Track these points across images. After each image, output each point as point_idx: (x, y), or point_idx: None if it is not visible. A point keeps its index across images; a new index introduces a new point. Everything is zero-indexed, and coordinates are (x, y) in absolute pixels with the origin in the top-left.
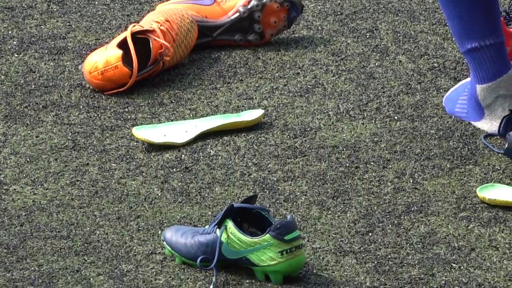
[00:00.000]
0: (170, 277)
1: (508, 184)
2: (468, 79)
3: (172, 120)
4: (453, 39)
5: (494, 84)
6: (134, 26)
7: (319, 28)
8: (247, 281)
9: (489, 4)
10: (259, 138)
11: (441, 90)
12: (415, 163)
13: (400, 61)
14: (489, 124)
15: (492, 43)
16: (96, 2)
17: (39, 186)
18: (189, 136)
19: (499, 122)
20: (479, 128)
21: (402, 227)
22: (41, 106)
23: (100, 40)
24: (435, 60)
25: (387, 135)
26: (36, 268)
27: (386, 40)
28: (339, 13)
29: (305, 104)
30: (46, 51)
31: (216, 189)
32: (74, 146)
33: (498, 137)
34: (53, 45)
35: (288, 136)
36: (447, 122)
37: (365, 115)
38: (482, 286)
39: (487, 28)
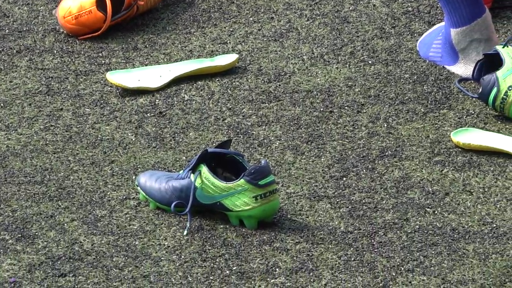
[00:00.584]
0: (144, 222)
1: (482, 128)
2: (443, 23)
3: (146, 65)
4: None
5: (468, 28)
6: None
7: None
8: (221, 226)
9: None
10: (233, 83)
11: (415, 34)
12: (389, 107)
13: (374, 5)
14: (463, 68)
15: None
16: None
17: (13, 131)
18: (163, 81)
19: (473, 66)
20: (453, 72)
21: (376, 172)
22: (15, 51)
23: None
24: (409, 4)
25: (361, 80)
26: (10, 214)
27: None
28: None
29: (279, 49)
30: None
31: (190, 134)
32: (48, 91)
33: (472, 81)
34: None
35: (262, 81)
36: (421, 66)
37: (339, 59)
38: (456, 231)
39: None
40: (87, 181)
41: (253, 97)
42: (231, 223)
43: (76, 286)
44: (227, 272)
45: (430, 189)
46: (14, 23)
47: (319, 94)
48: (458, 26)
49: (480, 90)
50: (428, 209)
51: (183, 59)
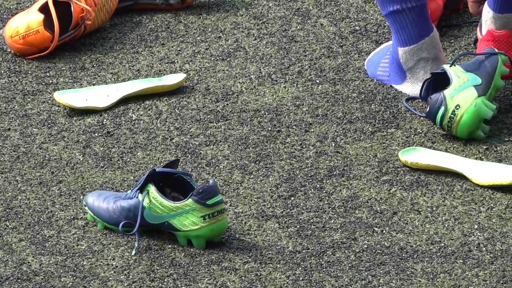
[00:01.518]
0: (92, 242)
1: (429, 147)
2: (390, 42)
3: (93, 85)
4: (375, 1)
5: (416, 47)
6: None
7: None
8: (170, 246)
9: None
10: (181, 102)
11: (363, 53)
12: (337, 126)
13: (321, 24)
14: (411, 87)
15: (414, 6)
16: None
17: None
18: (111, 101)
19: (420, 85)
20: (401, 91)
21: (324, 191)
22: None
23: (21, 4)
24: (356, 23)
25: (309, 99)
26: None
27: (308, 3)
28: None
29: (227, 68)
30: None
31: (138, 153)
32: None
33: (420, 100)
34: None
35: (210, 100)
36: (369, 85)
37: (287, 78)
38: (404, 250)
39: None
40: (35, 201)
41: (201, 116)
42: (179, 242)
43: None
44: None
45: (378, 208)
46: None
47: (266, 113)
48: (405, 45)
49: (428, 109)
50: (376, 229)
51: (130, 78)
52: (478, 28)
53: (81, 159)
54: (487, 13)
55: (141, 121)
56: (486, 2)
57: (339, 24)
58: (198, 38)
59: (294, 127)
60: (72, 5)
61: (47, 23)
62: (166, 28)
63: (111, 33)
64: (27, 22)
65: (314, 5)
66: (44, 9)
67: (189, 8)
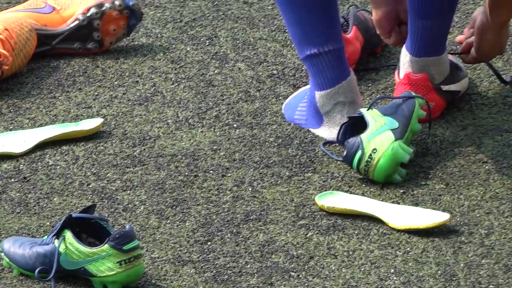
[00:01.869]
0: None
1: (346, 191)
2: (308, 86)
3: (10, 130)
4: (292, 45)
5: (333, 91)
6: None
7: (159, 35)
8: None
9: (329, 10)
10: (98, 147)
11: (280, 98)
12: (254, 171)
13: (239, 68)
14: (328, 131)
15: (332, 50)
16: None
17: None
18: (27, 146)
19: (338, 129)
20: (318, 135)
21: (241, 236)
22: None
23: None
24: (274, 67)
25: (226, 143)
26: None
27: (226, 47)
28: (178, 20)
29: (144, 113)
30: None
31: (55, 199)
32: None
33: (337, 144)
34: None
35: (127, 145)
36: (286, 129)
37: (204, 123)
38: None
39: (326, 34)
40: None
41: (118, 161)
42: None
43: None
44: None
45: (295, 253)
46: None
47: (184, 158)
48: (322, 89)
49: (345, 153)
50: (293, 273)
51: (47, 123)
52: (396, 72)
53: None
54: (405, 57)
55: (58, 166)
56: (404, 45)
57: (256, 68)
58: (116, 82)
59: (211, 171)
60: None
61: None
62: (83, 72)
63: (28, 78)
64: None
65: (232, 49)
66: None
67: (107, 52)
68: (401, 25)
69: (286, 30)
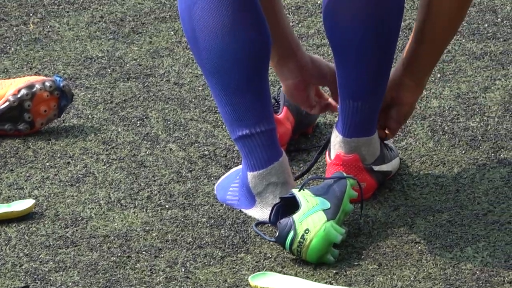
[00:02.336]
0: None
1: (279, 272)
2: (240, 166)
3: None
4: (223, 126)
5: (265, 171)
6: None
7: (90, 116)
8: None
9: (261, 91)
10: (30, 228)
11: (212, 178)
12: (187, 252)
13: (170, 149)
14: (260, 212)
15: (264, 130)
16: None
17: None
18: None
19: (270, 210)
20: (251, 216)
21: None
22: None
23: None
24: (205, 148)
25: (158, 224)
26: None
27: (157, 128)
28: (109, 101)
29: (76, 194)
30: None
31: None
32: None
33: (270, 225)
34: None
35: (60, 226)
36: (219, 210)
37: (136, 203)
38: None
39: (258, 116)
40: None
41: (50, 242)
42: None
43: None
44: None
45: None
46: None
47: (116, 239)
48: (254, 170)
49: (277, 233)
50: None
51: None
52: (326, 152)
53: None
54: (336, 138)
55: None
56: (334, 126)
57: (188, 148)
58: (47, 163)
59: (143, 252)
60: None
61: None
62: (15, 154)
63: None
64: None
65: (163, 130)
66: None
67: (38, 133)
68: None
69: (217, 111)
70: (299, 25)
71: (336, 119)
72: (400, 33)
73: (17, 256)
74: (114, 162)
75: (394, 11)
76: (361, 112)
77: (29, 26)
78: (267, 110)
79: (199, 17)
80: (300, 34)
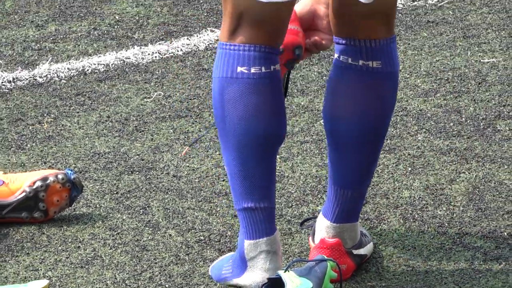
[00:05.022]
0: None
1: None
2: (232, 252)
3: None
4: (218, 214)
5: (261, 241)
6: None
7: (97, 206)
8: None
9: (271, 170)
10: None
11: (207, 261)
12: None
13: (170, 235)
14: (251, 275)
15: (266, 207)
16: None
17: None
18: None
19: (260, 273)
20: (242, 286)
21: None
22: None
23: None
24: (201, 234)
25: None
26: None
27: (158, 216)
28: (115, 192)
29: (86, 275)
30: None
31: None
32: None
33: None
34: None
35: None
36: None
37: (140, 284)
38: None
39: (264, 192)
40: None
41: None
42: None
43: None
44: None
45: None
46: None
47: None
48: (252, 238)
49: None
50: None
51: None
52: (309, 237)
53: None
54: (322, 223)
55: None
56: (321, 211)
57: (185, 234)
58: (60, 247)
59: None
60: None
61: None
62: (30, 239)
63: None
64: None
65: (164, 218)
66: None
67: (51, 221)
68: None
69: (212, 201)
70: None
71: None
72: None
73: None
74: (120, 246)
75: (388, 111)
76: (349, 200)
77: (43, 125)
78: (272, 189)
79: (230, 98)
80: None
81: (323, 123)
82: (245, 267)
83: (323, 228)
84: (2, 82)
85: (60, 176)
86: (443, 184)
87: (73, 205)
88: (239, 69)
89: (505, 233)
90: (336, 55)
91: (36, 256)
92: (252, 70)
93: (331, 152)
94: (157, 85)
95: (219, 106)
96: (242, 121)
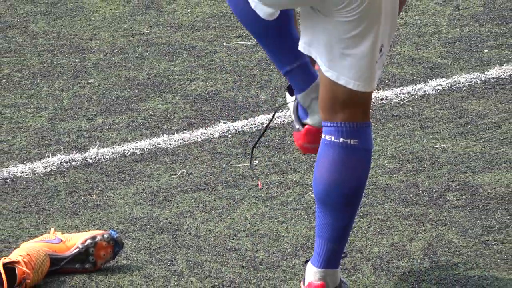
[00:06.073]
0: None
1: None
2: None
3: None
4: (228, 265)
5: (308, 90)
6: (5, 258)
7: (135, 258)
8: None
9: (291, 39)
10: None
11: None
12: None
13: (191, 281)
14: (312, 117)
15: (299, 64)
16: None
17: None
18: None
19: (317, 116)
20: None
21: None
22: None
23: None
24: (216, 280)
25: None
26: None
27: (182, 267)
28: (148, 248)
29: None
30: None
31: None
32: None
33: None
34: None
35: None
36: None
37: None
38: None
39: (292, 56)
40: None
41: None
42: None
43: None
44: None
45: None
46: None
47: None
48: (302, 91)
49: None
50: None
51: None
52: (301, 282)
53: None
54: (311, 269)
55: None
56: (310, 260)
57: (204, 281)
58: None
59: None
60: (16, 269)
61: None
62: (82, 285)
63: (44, 286)
64: None
65: (186, 268)
66: None
67: (99, 270)
68: None
69: (224, 255)
70: (282, 195)
71: None
72: None
73: None
74: None
75: (362, 179)
76: (332, 250)
77: (92, 196)
78: (297, 51)
79: None
80: (282, 201)
81: (312, 194)
82: (307, 113)
83: (311, 273)
84: (60, 163)
85: (105, 236)
86: (404, 242)
87: (115, 258)
88: None
89: (453, 280)
90: (323, 136)
91: None
92: None
93: (317, 211)
94: (181, 165)
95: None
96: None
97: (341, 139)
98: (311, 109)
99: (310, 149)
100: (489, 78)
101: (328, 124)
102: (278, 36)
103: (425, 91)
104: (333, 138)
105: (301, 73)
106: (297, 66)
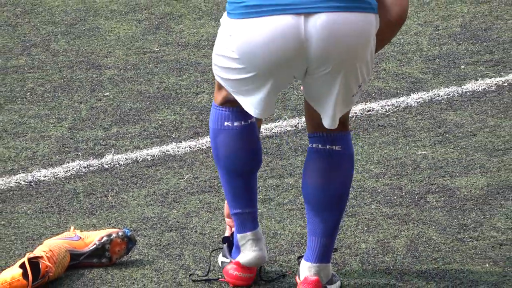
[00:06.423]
0: None
1: None
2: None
3: None
4: None
5: (247, 234)
6: (30, 253)
7: (146, 254)
8: None
9: (250, 186)
10: None
11: None
12: None
13: (197, 274)
14: (243, 255)
15: (249, 211)
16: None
17: None
18: None
19: (249, 254)
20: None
21: None
22: None
23: None
24: (219, 273)
25: None
26: None
27: (189, 261)
28: (159, 244)
29: None
30: None
31: None
32: None
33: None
34: None
35: None
36: None
37: None
38: None
39: (246, 201)
40: None
41: None
42: None
43: None
44: None
45: None
46: None
47: None
48: (241, 232)
49: None
50: None
51: None
52: (296, 276)
53: None
54: (305, 264)
55: None
56: (303, 257)
57: (208, 274)
58: (120, 283)
59: None
60: (40, 263)
61: (25, 273)
62: (99, 277)
63: (65, 280)
64: (11, 274)
65: (193, 262)
66: (22, 265)
67: (114, 264)
68: None
69: None
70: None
71: None
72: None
73: None
74: (162, 282)
75: (347, 181)
76: (323, 246)
77: (108, 198)
78: (253, 199)
79: (220, 141)
80: (278, 203)
81: None
82: (239, 251)
83: (306, 268)
84: (79, 168)
85: (120, 233)
86: (389, 239)
87: (129, 254)
88: (225, 123)
89: (433, 273)
90: (310, 145)
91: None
92: (235, 124)
93: (308, 212)
94: (188, 170)
95: (214, 146)
96: (227, 159)
97: (327, 146)
98: (244, 247)
99: (244, 278)
100: (466, 92)
101: (314, 135)
102: (253, 178)
103: (407, 103)
104: (319, 146)
105: (249, 219)
106: (248, 212)
